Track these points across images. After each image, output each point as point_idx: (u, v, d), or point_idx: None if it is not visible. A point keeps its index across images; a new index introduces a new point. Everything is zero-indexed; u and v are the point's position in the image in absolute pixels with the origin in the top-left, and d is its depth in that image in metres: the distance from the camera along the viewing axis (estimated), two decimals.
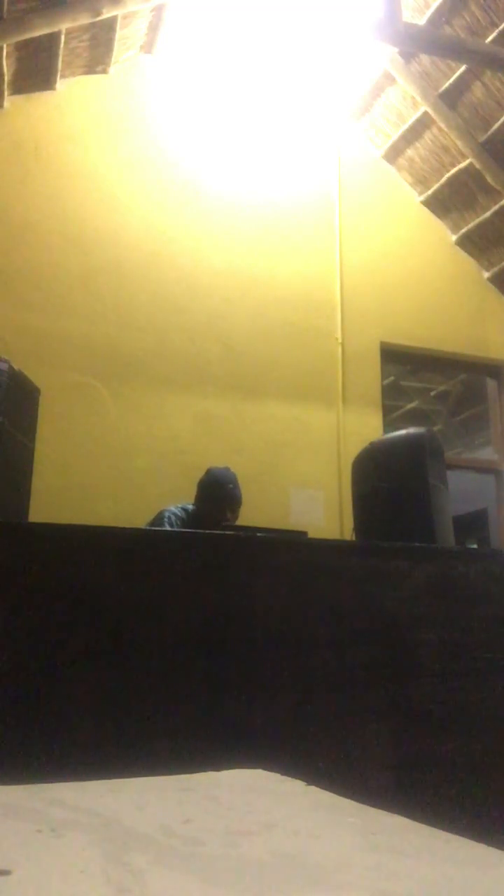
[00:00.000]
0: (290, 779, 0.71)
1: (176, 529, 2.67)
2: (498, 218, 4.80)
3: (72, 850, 0.47)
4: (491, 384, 5.24)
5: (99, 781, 0.65)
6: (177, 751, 1.20)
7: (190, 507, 2.84)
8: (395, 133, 4.80)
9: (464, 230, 4.98)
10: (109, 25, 4.00)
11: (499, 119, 4.38)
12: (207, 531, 1.85)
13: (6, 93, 4.01)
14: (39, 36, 3.72)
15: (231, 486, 2.81)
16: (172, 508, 2.81)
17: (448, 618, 1.53)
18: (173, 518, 2.76)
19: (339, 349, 4.52)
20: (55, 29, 3.72)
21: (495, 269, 5.04)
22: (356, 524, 2.17)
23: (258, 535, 1.57)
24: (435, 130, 4.64)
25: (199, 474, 2.92)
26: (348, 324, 4.57)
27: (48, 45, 3.88)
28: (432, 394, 7.33)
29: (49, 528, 1.36)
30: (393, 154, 4.92)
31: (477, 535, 7.03)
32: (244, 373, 4.25)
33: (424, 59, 4.36)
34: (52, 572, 1.29)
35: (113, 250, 4.11)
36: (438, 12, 4.01)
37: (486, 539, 6.74)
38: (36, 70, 4.03)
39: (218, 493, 2.78)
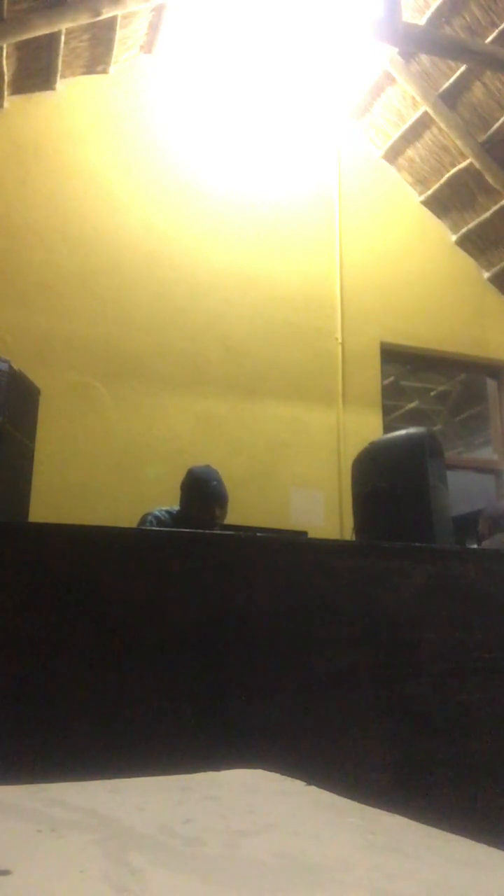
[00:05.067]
0: (290, 779, 0.71)
1: (177, 530, 2.66)
2: (498, 218, 4.80)
3: (72, 850, 0.47)
4: (491, 384, 5.24)
5: (99, 781, 0.65)
6: (177, 751, 1.20)
7: (175, 509, 2.80)
8: (395, 133, 4.80)
9: (464, 230, 4.98)
10: (109, 25, 4.00)
11: (499, 119, 4.38)
12: (208, 531, 1.85)
13: (6, 93, 4.01)
14: (39, 36, 3.72)
15: (215, 482, 2.75)
16: (156, 512, 2.77)
17: (448, 618, 1.53)
18: (155, 522, 2.71)
19: (339, 349, 4.51)
20: (55, 29, 3.72)
21: (495, 269, 5.04)
22: (356, 524, 2.17)
23: (258, 535, 1.57)
24: (435, 130, 4.64)
25: None
26: (348, 324, 4.57)
27: (48, 45, 3.88)
28: (432, 394, 7.33)
29: (49, 528, 1.36)
30: (393, 154, 4.92)
31: (477, 535, 7.01)
32: (244, 373, 4.25)
33: (424, 59, 4.36)
34: (52, 572, 1.29)
35: (113, 250, 4.11)
36: (438, 12, 4.01)
37: None
38: (36, 70, 4.03)
39: (203, 491, 2.73)
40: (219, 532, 2.30)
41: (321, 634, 1.42)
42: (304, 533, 1.81)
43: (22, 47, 3.81)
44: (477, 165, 4.59)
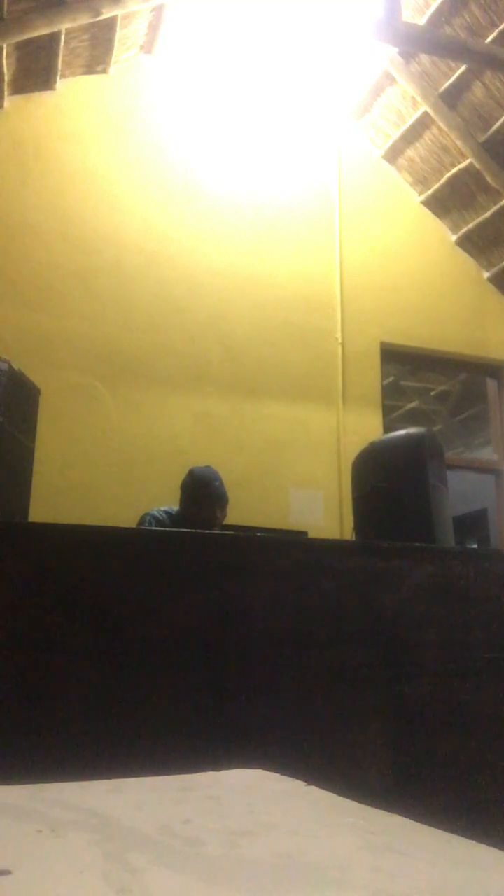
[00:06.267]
0: (290, 779, 0.71)
1: (177, 530, 2.65)
2: (498, 218, 4.80)
3: (72, 850, 0.47)
4: (491, 384, 5.24)
5: (99, 781, 0.65)
6: (177, 751, 1.20)
7: (173, 510, 2.78)
8: (395, 133, 4.80)
9: (464, 230, 4.98)
10: (109, 25, 4.00)
11: (499, 119, 4.38)
12: (208, 531, 1.85)
13: (6, 93, 4.01)
14: (39, 36, 3.73)
15: (217, 483, 2.73)
16: (154, 512, 2.75)
17: (448, 618, 1.53)
18: (154, 522, 2.70)
19: (339, 349, 4.52)
20: (55, 29, 3.72)
21: (495, 269, 5.04)
22: (356, 524, 2.17)
23: (258, 535, 1.57)
24: (435, 130, 4.64)
25: None
26: (348, 324, 4.57)
27: (48, 45, 3.88)
28: (432, 394, 7.33)
29: (49, 528, 1.36)
30: (393, 154, 4.93)
31: (477, 535, 7.04)
32: (244, 373, 4.25)
33: (424, 59, 4.36)
34: (52, 572, 1.29)
35: (113, 250, 4.11)
36: (438, 12, 4.02)
37: (486, 539, 6.75)
38: (36, 70, 4.03)
39: (205, 492, 2.70)
40: (219, 532, 2.29)
41: (321, 634, 1.42)
42: (304, 533, 1.81)
43: (22, 47, 3.81)
44: (477, 165, 4.59)
